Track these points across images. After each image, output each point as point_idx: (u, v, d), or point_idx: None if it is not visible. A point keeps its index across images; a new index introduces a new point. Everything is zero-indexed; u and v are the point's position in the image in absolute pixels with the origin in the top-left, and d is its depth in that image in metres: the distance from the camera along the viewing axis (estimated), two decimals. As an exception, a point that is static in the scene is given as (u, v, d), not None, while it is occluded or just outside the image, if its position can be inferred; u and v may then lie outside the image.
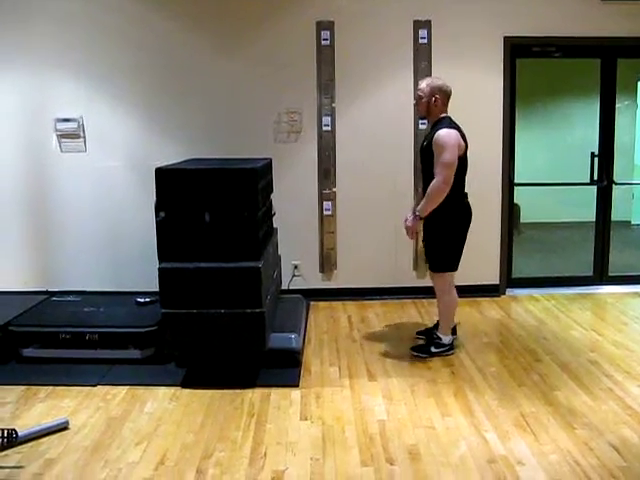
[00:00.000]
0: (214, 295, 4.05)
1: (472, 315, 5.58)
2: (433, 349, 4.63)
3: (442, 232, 4.48)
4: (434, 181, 4.26)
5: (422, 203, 4.37)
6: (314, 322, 5.43)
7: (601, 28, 5.76)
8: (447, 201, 4.33)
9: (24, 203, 5.85)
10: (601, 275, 6.35)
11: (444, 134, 4.26)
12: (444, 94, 4.41)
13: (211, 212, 4.10)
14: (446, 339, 4.66)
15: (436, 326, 4.80)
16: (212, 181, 4.12)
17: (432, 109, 4.42)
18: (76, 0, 5.56)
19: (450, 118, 4.42)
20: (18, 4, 5.56)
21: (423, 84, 4.46)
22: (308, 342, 4.93)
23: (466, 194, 4.51)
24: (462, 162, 4.36)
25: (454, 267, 4.57)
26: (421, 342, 4.82)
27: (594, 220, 6.32)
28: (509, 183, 6.03)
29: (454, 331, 4.79)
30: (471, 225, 4.53)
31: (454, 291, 4.64)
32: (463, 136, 4.38)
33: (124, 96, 5.71)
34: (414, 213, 4.44)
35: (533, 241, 7.82)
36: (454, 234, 4.50)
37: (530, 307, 5.78)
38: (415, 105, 4.52)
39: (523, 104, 6.34)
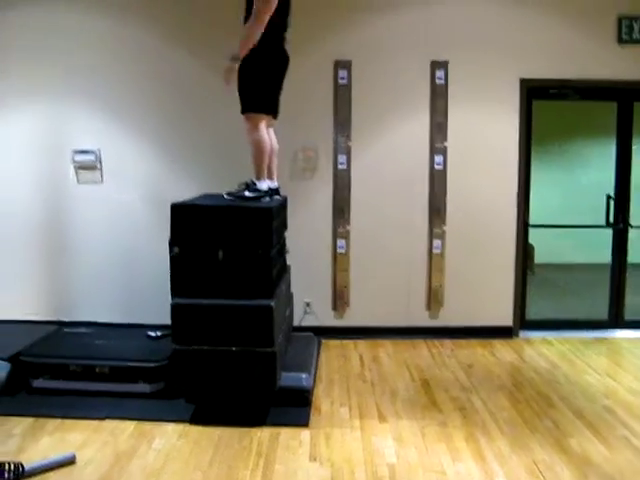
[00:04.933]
0: (226, 332, 4.04)
1: (485, 357, 5.51)
2: (247, 193, 4.44)
3: (254, 70, 4.28)
4: (249, 20, 4.10)
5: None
6: (325, 361, 5.38)
7: (618, 71, 5.79)
8: (263, 41, 4.17)
9: (39, 233, 5.89)
10: (616, 319, 6.28)
11: None
12: None
13: (225, 249, 4.11)
14: (262, 184, 4.47)
15: None
16: (227, 218, 4.14)
17: None
18: (93, 32, 5.66)
19: None
20: (33, 38, 5.66)
21: None
22: (319, 381, 4.89)
23: (284, 38, 4.40)
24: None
25: (263, 108, 4.40)
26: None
27: (609, 262, 6.28)
28: (524, 224, 6.01)
29: None
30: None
31: (265, 135, 4.42)
32: None
33: (141, 129, 5.79)
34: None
35: (547, 283, 7.74)
36: (265, 73, 4.34)
37: (544, 350, 5.70)
38: None
39: (539, 145, 6.33)
